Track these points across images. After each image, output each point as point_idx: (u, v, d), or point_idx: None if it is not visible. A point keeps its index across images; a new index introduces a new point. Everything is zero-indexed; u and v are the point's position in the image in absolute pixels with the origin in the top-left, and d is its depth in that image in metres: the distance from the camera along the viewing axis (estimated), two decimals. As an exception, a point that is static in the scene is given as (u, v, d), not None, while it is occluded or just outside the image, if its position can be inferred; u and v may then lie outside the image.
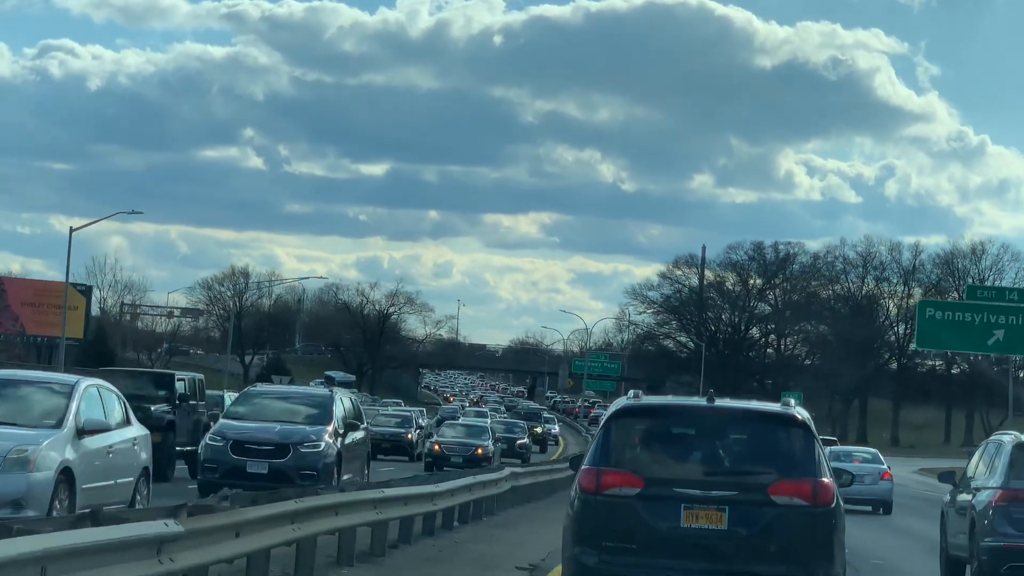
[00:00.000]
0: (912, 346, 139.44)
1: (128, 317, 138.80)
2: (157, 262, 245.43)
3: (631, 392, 14.42)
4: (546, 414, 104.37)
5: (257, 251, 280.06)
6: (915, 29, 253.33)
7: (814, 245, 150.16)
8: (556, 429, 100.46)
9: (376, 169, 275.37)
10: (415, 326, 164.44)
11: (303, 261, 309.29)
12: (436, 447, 51.01)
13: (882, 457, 44.99)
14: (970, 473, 21.80)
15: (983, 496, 20.31)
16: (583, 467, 13.68)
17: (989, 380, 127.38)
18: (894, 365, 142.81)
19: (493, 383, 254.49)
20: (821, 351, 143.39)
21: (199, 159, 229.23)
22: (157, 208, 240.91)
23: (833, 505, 13.36)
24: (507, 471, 30.63)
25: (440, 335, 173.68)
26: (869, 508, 40.32)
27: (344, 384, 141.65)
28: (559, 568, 14.71)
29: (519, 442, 65.07)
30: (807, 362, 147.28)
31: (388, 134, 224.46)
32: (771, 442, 13.68)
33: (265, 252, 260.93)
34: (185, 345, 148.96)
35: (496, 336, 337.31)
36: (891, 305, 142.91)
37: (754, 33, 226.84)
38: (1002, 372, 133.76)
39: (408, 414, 66.16)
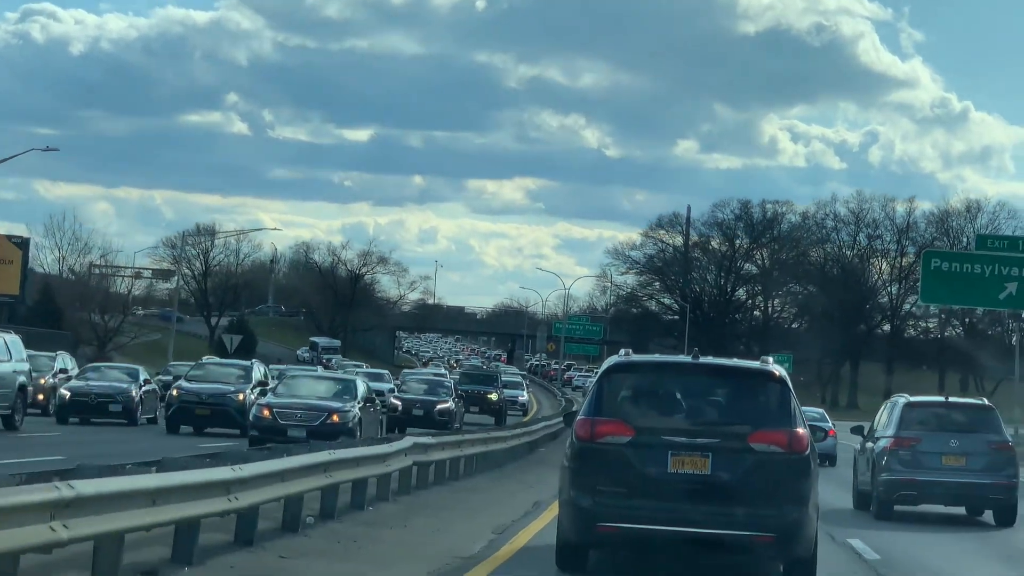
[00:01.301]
0: (906, 307, 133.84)
1: (95, 279, 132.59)
2: (143, 227, 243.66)
3: (622, 350, 15.35)
4: (509, 377, 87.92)
5: (243, 216, 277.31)
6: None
7: (800, 208, 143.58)
8: (523, 396, 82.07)
9: (360, 134, 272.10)
10: (389, 287, 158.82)
11: (289, 226, 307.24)
12: (265, 412, 35.06)
13: (828, 416, 49.97)
14: (875, 426, 27.66)
15: (881, 443, 26.42)
16: (579, 418, 14.64)
17: (983, 342, 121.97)
18: (887, 327, 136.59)
19: (474, 347, 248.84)
20: (810, 313, 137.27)
21: (183, 124, 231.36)
22: (142, 173, 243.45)
23: (807, 453, 14.43)
24: (407, 442, 23.13)
25: (422, 299, 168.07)
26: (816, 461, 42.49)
27: (329, 349, 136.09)
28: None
29: (440, 407, 49.85)
30: (795, 325, 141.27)
31: (372, 99, 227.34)
32: (751, 395, 14.84)
33: (251, 217, 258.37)
34: (173, 310, 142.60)
35: (482, 302, 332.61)
36: (884, 264, 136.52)
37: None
38: (996, 336, 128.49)
39: (248, 365, 45.56)
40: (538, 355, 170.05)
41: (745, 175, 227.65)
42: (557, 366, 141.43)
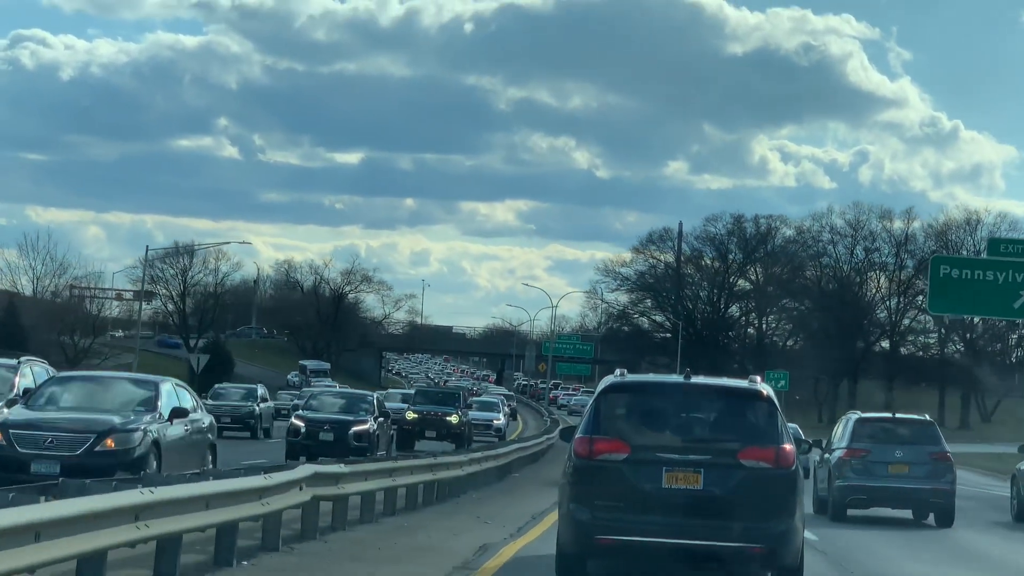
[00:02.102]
0: (906, 322, 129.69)
1: (76, 299, 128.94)
2: (134, 252, 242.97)
3: (617, 371, 16.24)
4: (487, 397, 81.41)
5: (234, 240, 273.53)
6: (886, 14, 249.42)
7: (795, 223, 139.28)
8: (499, 419, 70.53)
9: (351, 157, 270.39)
10: (374, 306, 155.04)
11: (280, 250, 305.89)
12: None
13: (801, 432, 51.93)
14: (833, 439, 31.28)
15: (836, 454, 30.24)
16: (577, 436, 15.45)
17: (984, 359, 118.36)
18: (885, 344, 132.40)
19: (464, 367, 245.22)
20: (806, 330, 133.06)
21: (174, 148, 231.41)
22: (132, 197, 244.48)
23: (793, 468, 15.30)
24: (303, 471, 18.36)
25: (412, 318, 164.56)
26: None
27: (318, 372, 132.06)
28: None
29: (356, 428, 40.36)
30: (790, 342, 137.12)
31: (362, 122, 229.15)
32: (740, 414, 15.70)
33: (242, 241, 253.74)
34: (137, 331, 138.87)
35: (474, 324, 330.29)
36: (882, 278, 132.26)
37: (725, 19, 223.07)
38: (996, 353, 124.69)
39: (14, 365, 28.07)
40: (519, 374, 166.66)
41: (736, 195, 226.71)
42: (544, 386, 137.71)
